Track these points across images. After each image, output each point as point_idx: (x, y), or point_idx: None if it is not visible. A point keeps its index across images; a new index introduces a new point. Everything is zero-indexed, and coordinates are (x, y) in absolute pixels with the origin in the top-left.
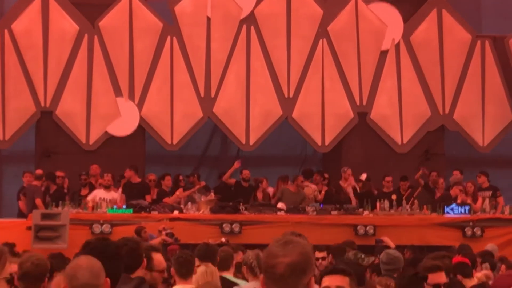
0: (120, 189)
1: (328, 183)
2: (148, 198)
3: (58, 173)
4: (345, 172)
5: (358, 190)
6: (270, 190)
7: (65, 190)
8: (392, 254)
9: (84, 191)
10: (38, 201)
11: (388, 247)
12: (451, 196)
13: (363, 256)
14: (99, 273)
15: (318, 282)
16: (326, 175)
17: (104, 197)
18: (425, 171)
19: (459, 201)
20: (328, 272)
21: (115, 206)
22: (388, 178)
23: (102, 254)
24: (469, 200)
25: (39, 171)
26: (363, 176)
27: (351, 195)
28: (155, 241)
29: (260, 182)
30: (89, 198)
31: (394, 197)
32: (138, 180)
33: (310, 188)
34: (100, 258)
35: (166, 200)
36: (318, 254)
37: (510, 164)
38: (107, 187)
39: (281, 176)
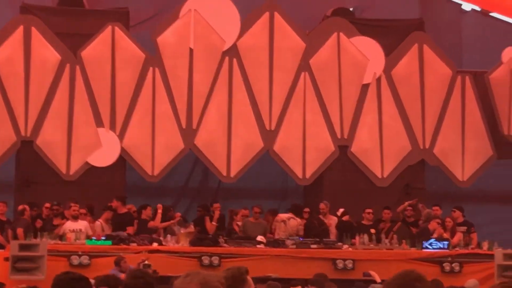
0: (101, 219)
1: (309, 217)
2: (130, 229)
3: (46, 204)
4: (324, 209)
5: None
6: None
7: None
8: None
9: (56, 221)
10: (20, 231)
11: (374, 281)
12: (429, 230)
13: None
14: None
15: None
16: (307, 209)
17: (72, 228)
18: (413, 204)
19: (436, 235)
20: None
21: (94, 238)
22: (369, 210)
23: None
24: (446, 235)
25: (21, 207)
26: (340, 211)
27: (333, 229)
28: None
29: (235, 214)
30: (60, 231)
31: (373, 231)
32: (124, 210)
33: (296, 221)
34: None
35: (151, 224)
36: None
37: (489, 199)
38: (74, 217)
39: (270, 209)
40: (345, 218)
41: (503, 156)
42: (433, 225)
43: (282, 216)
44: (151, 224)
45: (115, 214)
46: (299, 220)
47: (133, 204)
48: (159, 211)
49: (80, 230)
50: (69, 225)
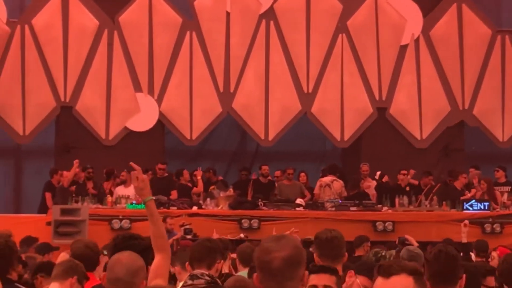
0: None
1: (344, 179)
2: (174, 193)
3: (89, 170)
4: (366, 171)
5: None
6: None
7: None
8: (412, 250)
9: (89, 184)
10: (47, 195)
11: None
12: (457, 188)
13: (383, 253)
14: (136, 271)
15: None
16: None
17: (123, 194)
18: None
19: (470, 194)
20: (315, 271)
21: (134, 202)
22: (404, 171)
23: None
24: (485, 196)
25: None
26: (377, 174)
27: (372, 191)
28: (174, 238)
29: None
30: (113, 197)
31: (407, 188)
32: (165, 175)
33: (339, 183)
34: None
35: (195, 190)
36: None
37: None
38: (124, 182)
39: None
40: (385, 179)
41: None
42: (461, 181)
43: (326, 179)
44: (194, 190)
45: (154, 178)
46: (341, 182)
47: (171, 168)
48: (199, 177)
49: (128, 196)
50: (120, 190)
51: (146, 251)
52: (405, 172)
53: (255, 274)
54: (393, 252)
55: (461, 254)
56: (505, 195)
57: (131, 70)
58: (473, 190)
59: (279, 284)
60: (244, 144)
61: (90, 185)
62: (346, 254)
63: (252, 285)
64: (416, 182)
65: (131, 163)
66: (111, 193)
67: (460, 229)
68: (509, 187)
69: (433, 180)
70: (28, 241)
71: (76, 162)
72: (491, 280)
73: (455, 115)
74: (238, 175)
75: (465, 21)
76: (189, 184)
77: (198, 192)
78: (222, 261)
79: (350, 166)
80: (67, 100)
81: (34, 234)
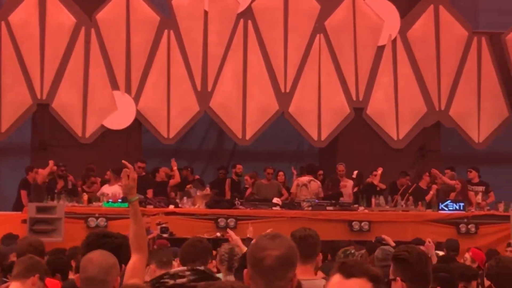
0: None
1: (323, 179)
2: (150, 192)
3: (62, 168)
4: (342, 171)
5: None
6: None
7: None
8: (387, 250)
9: (60, 183)
10: (23, 193)
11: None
12: (422, 188)
13: (352, 251)
14: (109, 269)
15: None
16: (320, 172)
17: (106, 192)
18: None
19: (432, 192)
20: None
21: (110, 200)
22: (375, 172)
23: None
24: (459, 197)
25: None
26: (355, 174)
27: (348, 191)
28: (150, 236)
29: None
30: (98, 194)
31: (381, 186)
32: (143, 173)
33: (316, 183)
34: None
35: (172, 182)
36: None
37: (505, 161)
38: (107, 181)
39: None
40: (356, 189)
41: None
42: (425, 179)
43: (303, 179)
44: (171, 183)
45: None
46: (318, 182)
47: (148, 166)
48: (175, 168)
49: (108, 194)
50: (105, 189)
51: (119, 249)
52: (376, 173)
53: (245, 270)
54: (363, 252)
55: None
56: (479, 195)
57: (108, 68)
58: (434, 187)
59: (269, 283)
60: (221, 143)
61: (61, 183)
62: (320, 254)
63: None
64: (384, 186)
65: (124, 161)
66: (85, 192)
67: (436, 230)
68: (483, 187)
69: (409, 181)
70: (10, 238)
71: (51, 162)
72: (475, 284)
73: (432, 116)
74: (216, 174)
75: (442, 22)
76: (166, 179)
77: (175, 183)
78: (213, 261)
79: (327, 166)
80: (44, 98)
81: (9, 231)
